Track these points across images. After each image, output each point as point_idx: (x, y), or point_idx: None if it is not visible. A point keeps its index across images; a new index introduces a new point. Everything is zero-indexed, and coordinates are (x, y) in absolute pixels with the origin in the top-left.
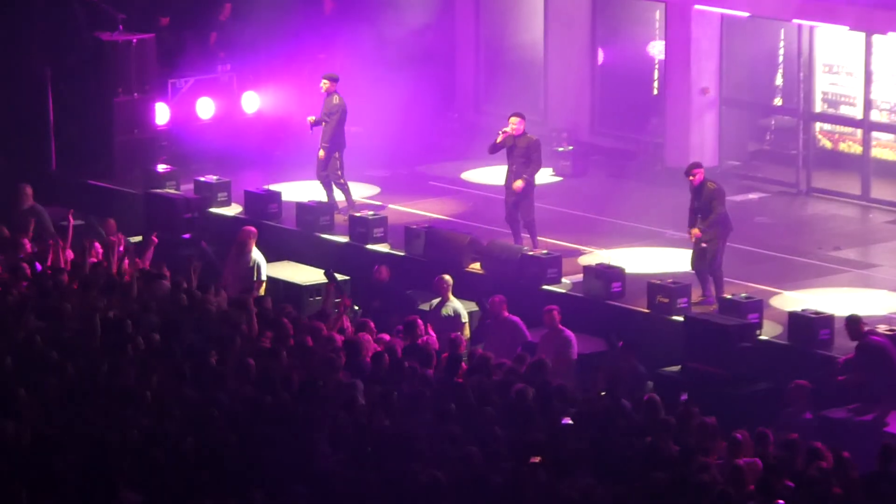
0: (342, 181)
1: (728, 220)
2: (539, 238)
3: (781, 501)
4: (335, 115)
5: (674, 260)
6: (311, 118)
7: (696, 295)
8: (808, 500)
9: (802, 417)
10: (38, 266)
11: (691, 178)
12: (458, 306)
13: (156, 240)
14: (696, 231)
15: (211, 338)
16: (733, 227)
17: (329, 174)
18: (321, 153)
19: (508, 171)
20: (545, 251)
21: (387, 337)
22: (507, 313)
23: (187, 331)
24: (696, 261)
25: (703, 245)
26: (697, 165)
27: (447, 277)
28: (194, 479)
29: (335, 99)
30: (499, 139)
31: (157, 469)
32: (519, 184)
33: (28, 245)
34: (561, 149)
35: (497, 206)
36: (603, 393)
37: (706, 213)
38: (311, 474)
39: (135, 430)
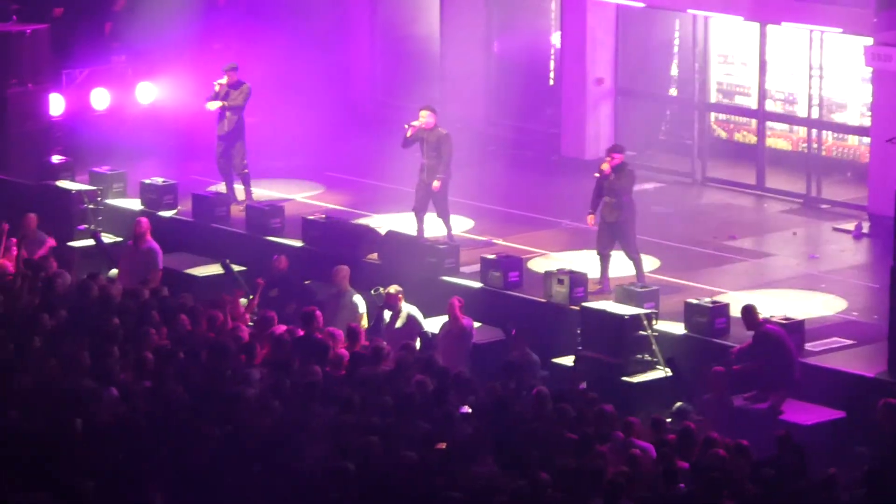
0: (245, 172)
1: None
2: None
3: (683, 485)
4: (241, 99)
5: (573, 250)
6: (217, 104)
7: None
8: (705, 486)
9: (726, 402)
10: None
11: (609, 159)
12: (356, 297)
13: None
14: (591, 218)
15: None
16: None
17: (233, 164)
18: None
19: (422, 164)
20: (444, 242)
21: (284, 327)
22: (402, 303)
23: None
24: (601, 243)
25: (611, 223)
26: (620, 149)
27: (344, 268)
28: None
29: (246, 87)
30: (408, 133)
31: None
32: (436, 184)
33: None
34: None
35: (395, 196)
36: (498, 382)
37: (618, 195)
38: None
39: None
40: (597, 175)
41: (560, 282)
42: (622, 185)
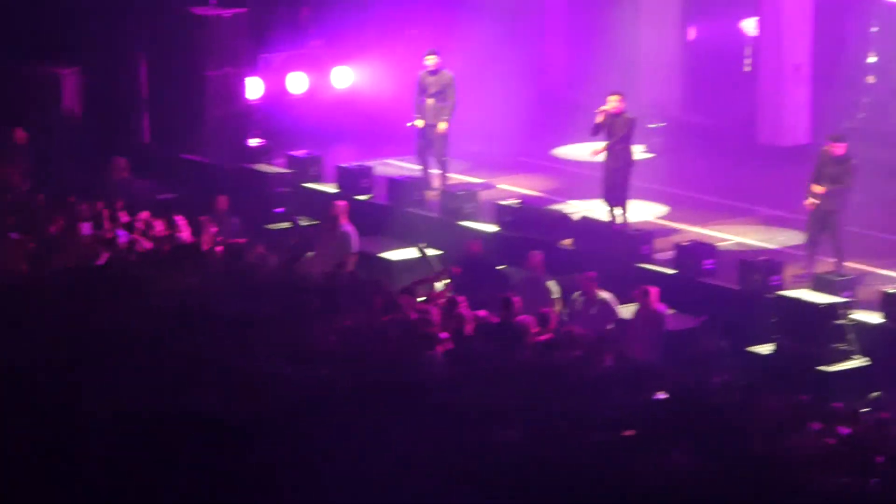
0: (444, 158)
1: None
2: (631, 215)
3: (874, 480)
4: (452, 90)
5: (766, 237)
6: (420, 122)
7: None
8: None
9: None
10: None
11: (834, 145)
12: (550, 282)
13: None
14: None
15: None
16: None
17: (435, 150)
18: (443, 126)
19: (607, 148)
20: (637, 228)
21: (482, 313)
22: (597, 289)
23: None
24: (812, 226)
25: (825, 210)
26: (842, 138)
27: (538, 253)
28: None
29: (447, 74)
30: (598, 119)
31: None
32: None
33: (124, 217)
34: (653, 125)
35: (589, 183)
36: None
37: (836, 182)
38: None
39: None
40: (832, 155)
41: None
42: (844, 173)
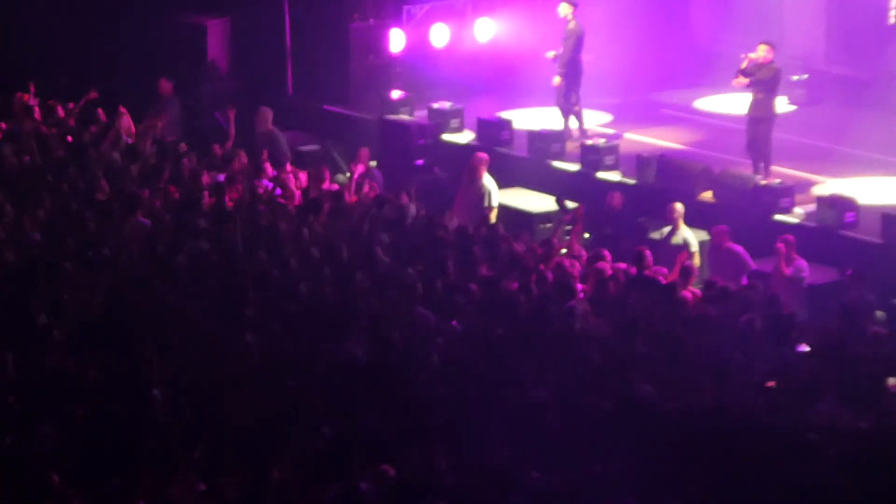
0: (577, 108)
1: None
2: (773, 167)
3: None
4: (570, 41)
5: None
6: (552, 53)
7: None
8: None
9: None
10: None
11: None
12: (689, 235)
13: None
14: None
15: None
16: None
17: (563, 100)
18: (557, 80)
19: (753, 100)
20: (778, 180)
21: (622, 265)
22: (729, 243)
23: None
24: None
25: None
26: None
27: (678, 206)
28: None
29: (571, 24)
30: (744, 65)
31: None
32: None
33: (268, 168)
34: (796, 77)
35: (731, 135)
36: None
37: None
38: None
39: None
40: None
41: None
42: None
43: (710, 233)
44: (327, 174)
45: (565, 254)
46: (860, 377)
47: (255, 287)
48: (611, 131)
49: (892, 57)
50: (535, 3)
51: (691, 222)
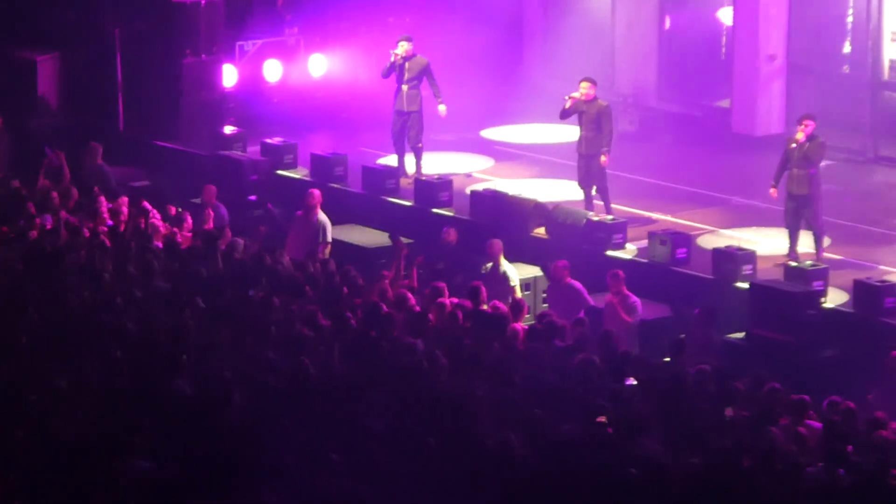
0: (419, 146)
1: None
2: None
3: (842, 471)
4: (418, 73)
5: (742, 226)
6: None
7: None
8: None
9: None
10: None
11: (804, 126)
12: (509, 269)
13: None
14: (774, 191)
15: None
16: None
17: (409, 138)
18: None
19: (580, 136)
20: (611, 217)
21: (455, 300)
22: (569, 279)
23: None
24: (789, 217)
25: (798, 196)
26: (813, 117)
27: (496, 241)
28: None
29: (421, 60)
30: (567, 104)
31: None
32: (604, 159)
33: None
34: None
35: (563, 169)
36: (667, 360)
37: (807, 167)
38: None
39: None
40: (793, 145)
41: (663, 243)
42: (813, 156)
43: (545, 268)
44: (155, 212)
45: (403, 288)
46: (691, 413)
47: (84, 326)
48: (447, 169)
49: (722, 94)
50: (366, 39)
51: (525, 258)
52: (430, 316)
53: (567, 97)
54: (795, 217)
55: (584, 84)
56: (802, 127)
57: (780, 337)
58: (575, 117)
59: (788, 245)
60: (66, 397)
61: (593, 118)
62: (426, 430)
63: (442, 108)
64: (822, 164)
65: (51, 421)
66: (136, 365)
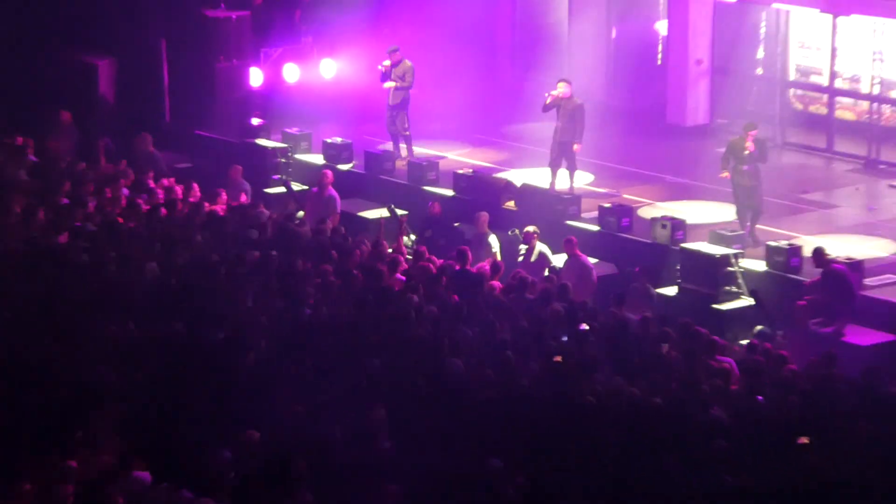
0: (407, 133)
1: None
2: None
3: (760, 397)
4: (410, 77)
5: (673, 200)
6: (391, 84)
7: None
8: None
9: (805, 329)
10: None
11: (750, 137)
12: (492, 238)
13: None
14: (726, 174)
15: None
16: None
17: (398, 128)
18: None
19: (557, 126)
20: (568, 193)
21: (439, 261)
22: (537, 242)
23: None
24: (740, 202)
25: (747, 187)
26: (755, 127)
27: (484, 214)
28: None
29: (407, 63)
30: (548, 101)
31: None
32: (577, 147)
33: (151, 183)
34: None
35: (532, 156)
36: (613, 309)
37: (755, 165)
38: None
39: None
40: (746, 153)
41: (663, 226)
42: (759, 157)
43: (517, 234)
44: (196, 188)
45: (394, 251)
46: (633, 352)
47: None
48: (435, 152)
49: (658, 92)
50: (368, 45)
51: (497, 227)
52: (415, 273)
53: (547, 94)
54: (745, 202)
55: (561, 84)
56: (749, 137)
57: (703, 290)
58: (554, 112)
59: (739, 223)
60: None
61: (569, 112)
62: (414, 368)
63: (576, 146)
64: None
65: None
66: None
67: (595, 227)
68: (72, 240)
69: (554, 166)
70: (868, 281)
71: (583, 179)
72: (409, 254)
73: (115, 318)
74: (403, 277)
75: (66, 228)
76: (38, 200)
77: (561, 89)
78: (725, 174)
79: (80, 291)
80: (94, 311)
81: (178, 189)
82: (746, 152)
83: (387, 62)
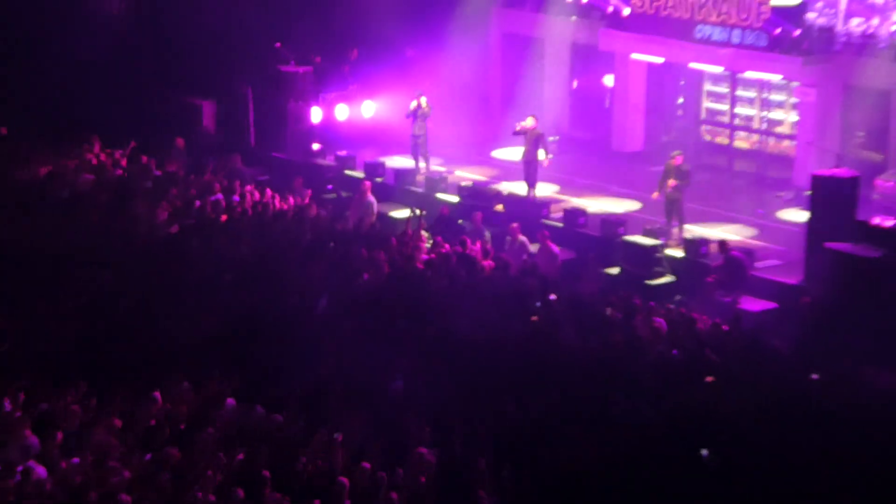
0: (426, 155)
1: None
2: (538, 190)
3: (675, 351)
4: (428, 113)
5: (618, 204)
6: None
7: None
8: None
9: (712, 299)
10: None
11: (674, 157)
12: (486, 232)
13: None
14: (656, 194)
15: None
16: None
17: (419, 151)
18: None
19: (525, 149)
20: (542, 198)
21: (448, 247)
22: (519, 234)
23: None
24: (668, 212)
25: (673, 200)
26: (679, 154)
27: (479, 213)
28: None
29: (427, 106)
30: (518, 128)
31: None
32: (546, 160)
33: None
34: (551, 138)
35: (513, 172)
36: (572, 284)
37: (683, 182)
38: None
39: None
40: (676, 165)
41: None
42: (683, 178)
43: (503, 229)
44: (271, 193)
45: (416, 240)
46: (587, 315)
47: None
48: (444, 169)
49: (607, 126)
50: (397, 92)
51: (489, 224)
52: (431, 256)
53: (518, 124)
54: (671, 213)
55: (529, 118)
56: (676, 160)
57: (637, 270)
58: (522, 138)
59: (668, 226)
60: None
61: (533, 139)
62: (423, 327)
63: (547, 158)
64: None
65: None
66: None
67: (560, 224)
68: (183, 231)
69: (527, 181)
70: (758, 264)
71: (551, 189)
72: (427, 242)
73: (217, 288)
74: (424, 257)
75: (178, 223)
76: (159, 203)
77: (530, 122)
78: (656, 194)
79: (191, 270)
80: (200, 283)
81: (257, 194)
82: (675, 166)
83: (414, 103)
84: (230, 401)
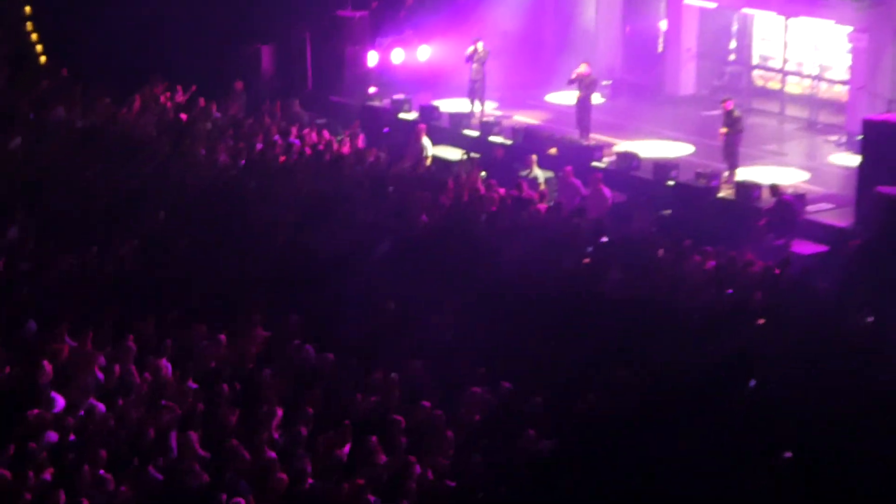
0: (483, 99)
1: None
2: (592, 134)
3: (731, 290)
4: (485, 58)
5: (671, 148)
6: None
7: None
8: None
9: (765, 242)
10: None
11: (725, 102)
12: (538, 172)
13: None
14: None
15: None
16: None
17: (475, 95)
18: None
19: (578, 95)
20: (595, 142)
21: (502, 190)
22: (572, 178)
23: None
24: (725, 153)
25: (726, 143)
26: (729, 98)
27: (533, 156)
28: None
29: (485, 49)
30: (573, 76)
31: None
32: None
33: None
34: (605, 82)
35: (567, 116)
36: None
37: (734, 125)
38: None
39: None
40: (737, 114)
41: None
42: (736, 121)
43: (557, 172)
44: (329, 136)
45: (471, 182)
46: (638, 258)
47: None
48: (499, 113)
49: (662, 70)
50: (452, 36)
51: (544, 166)
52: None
53: (574, 72)
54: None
55: (582, 65)
56: (726, 105)
57: (692, 215)
58: (576, 84)
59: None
60: None
61: (587, 84)
62: (477, 268)
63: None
64: (717, 112)
65: None
66: None
67: (612, 167)
68: (243, 172)
69: (580, 124)
70: (809, 208)
71: (603, 134)
72: (482, 184)
73: (276, 230)
74: (482, 200)
75: (237, 165)
76: (218, 145)
77: (583, 68)
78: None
79: (250, 211)
80: (259, 225)
81: (315, 136)
82: (737, 114)
83: (471, 47)
84: (294, 341)
